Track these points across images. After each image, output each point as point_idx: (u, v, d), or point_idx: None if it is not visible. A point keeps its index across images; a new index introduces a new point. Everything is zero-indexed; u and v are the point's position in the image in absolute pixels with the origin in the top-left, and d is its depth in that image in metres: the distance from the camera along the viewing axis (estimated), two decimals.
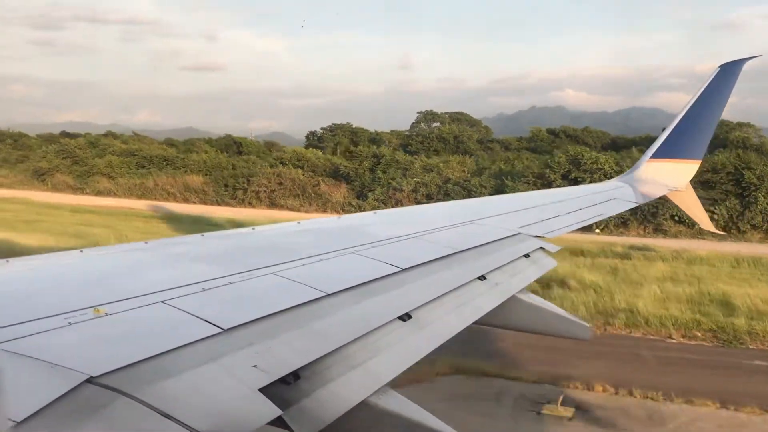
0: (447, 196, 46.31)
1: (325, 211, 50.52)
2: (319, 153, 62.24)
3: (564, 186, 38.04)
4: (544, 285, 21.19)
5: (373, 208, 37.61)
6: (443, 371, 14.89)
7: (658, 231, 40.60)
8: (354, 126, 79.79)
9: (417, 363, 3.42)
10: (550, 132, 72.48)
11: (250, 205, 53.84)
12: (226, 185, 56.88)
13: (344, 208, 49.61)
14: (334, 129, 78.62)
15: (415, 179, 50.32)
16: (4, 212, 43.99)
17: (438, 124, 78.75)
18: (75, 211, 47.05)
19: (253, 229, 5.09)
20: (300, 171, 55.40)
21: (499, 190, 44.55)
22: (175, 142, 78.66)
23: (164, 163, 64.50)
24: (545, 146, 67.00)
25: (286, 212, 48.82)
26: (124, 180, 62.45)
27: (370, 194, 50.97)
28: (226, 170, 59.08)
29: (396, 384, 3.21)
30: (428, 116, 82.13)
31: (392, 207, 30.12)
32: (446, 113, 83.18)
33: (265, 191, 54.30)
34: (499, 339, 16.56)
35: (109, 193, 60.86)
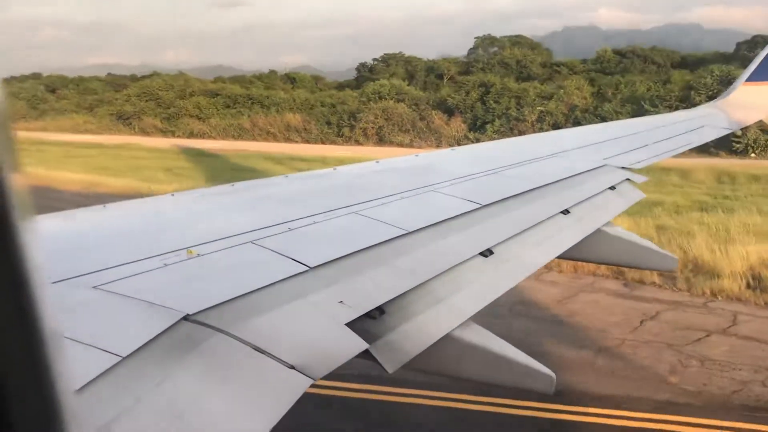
0: (577, 125, 42.46)
1: (439, 146, 46.91)
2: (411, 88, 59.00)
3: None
4: None
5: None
6: None
7: None
8: (407, 55, 76.07)
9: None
10: (617, 52, 68.49)
11: (357, 143, 51.58)
12: (328, 123, 54.72)
13: (461, 143, 46.10)
14: (387, 59, 74.76)
15: (539, 108, 47.44)
16: (144, 160, 40.91)
17: (496, 48, 75.73)
18: (202, 155, 43.78)
19: (335, 169, 5.15)
20: (403, 105, 52.72)
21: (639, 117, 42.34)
22: (242, 80, 76.37)
23: (250, 102, 62.47)
24: (612, 68, 63.89)
25: (398, 149, 45.00)
26: (215, 121, 60.55)
27: (488, 126, 48.18)
28: (324, 107, 56.87)
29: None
30: (486, 41, 78.37)
31: None
32: (505, 37, 79.48)
33: (372, 128, 51.87)
34: None
35: (203, 135, 58.89)
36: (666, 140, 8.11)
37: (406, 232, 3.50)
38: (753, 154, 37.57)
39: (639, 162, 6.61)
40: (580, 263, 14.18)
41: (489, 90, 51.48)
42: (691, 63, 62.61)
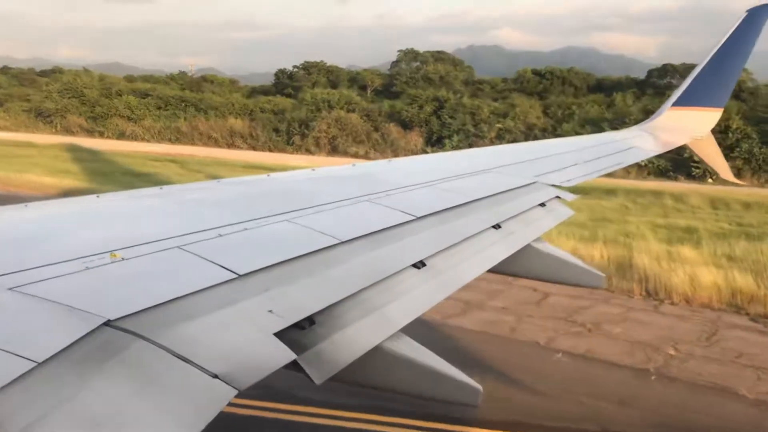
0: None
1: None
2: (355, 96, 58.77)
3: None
4: None
5: None
6: None
7: None
8: (328, 64, 76.55)
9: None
10: (536, 73, 71.23)
11: (308, 152, 50.75)
12: (276, 130, 53.43)
13: None
14: (308, 67, 75.07)
15: (497, 125, 48.05)
16: (98, 163, 38.00)
17: (418, 63, 76.99)
18: (154, 159, 41.45)
19: (269, 175, 5.10)
20: (356, 115, 52.39)
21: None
22: (151, 79, 73.96)
23: (183, 104, 60.25)
24: (532, 87, 66.08)
25: (354, 160, 44.02)
26: (149, 123, 57.90)
27: (446, 141, 48.39)
28: (264, 113, 55.49)
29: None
30: (409, 55, 79.87)
31: None
32: (428, 52, 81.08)
33: (326, 137, 51.19)
34: None
35: (136, 137, 56.10)
36: (596, 160, 8.35)
37: (339, 241, 3.48)
38: (711, 180, 39.11)
39: (569, 180, 6.78)
40: (694, 295, 14.96)
41: (443, 105, 52.04)
42: (606, 87, 65.66)
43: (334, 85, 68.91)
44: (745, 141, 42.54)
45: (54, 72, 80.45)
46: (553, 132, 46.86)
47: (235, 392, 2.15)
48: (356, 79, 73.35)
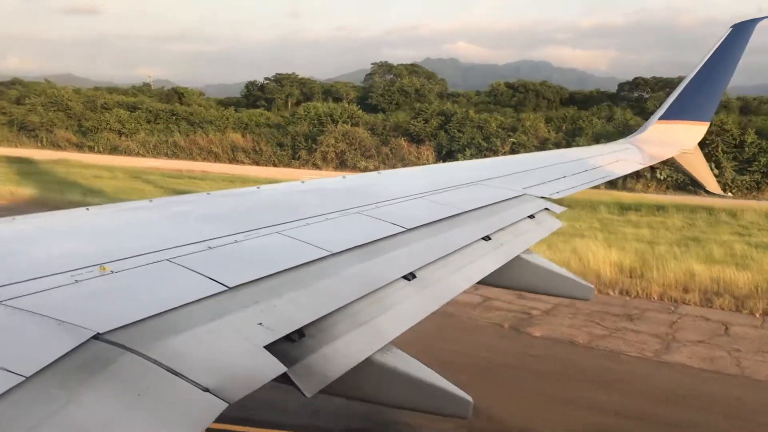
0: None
1: None
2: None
3: None
4: None
5: None
6: None
7: None
8: (300, 76, 76.14)
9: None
10: (509, 86, 71.71)
11: (316, 166, 49.55)
12: (280, 144, 52.18)
13: None
14: (280, 79, 74.60)
15: (511, 140, 47.34)
16: (121, 180, 36.06)
17: (392, 75, 77.17)
18: (172, 176, 39.62)
19: (258, 188, 5.09)
20: (362, 129, 51.36)
21: None
22: (117, 91, 72.09)
23: (174, 118, 58.57)
24: (506, 101, 66.39)
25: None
26: (143, 137, 56.22)
27: (459, 156, 47.03)
28: (265, 128, 54.24)
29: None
30: (383, 68, 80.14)
31: None
32: (402, 65, 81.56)
33: (333, 152, 49.93)
34: None
35: (131, 152, 54.37)
36: (584, 172, 8.39)
37: (329, 253, 3.48)
38: (730, 193, 39.30)
39: (558, 192, 6.81)
40: None
41: (450, 119, 51.19)
42: (578, 100, 66.41)
43: (308, 98, 68.69)
44: (762, 155, 42.78)
45: (14, 83, 78.47)
46: (567, 146, 45.80)
47: (226, 405, 2.14)
48: (330, 92, 73.26)
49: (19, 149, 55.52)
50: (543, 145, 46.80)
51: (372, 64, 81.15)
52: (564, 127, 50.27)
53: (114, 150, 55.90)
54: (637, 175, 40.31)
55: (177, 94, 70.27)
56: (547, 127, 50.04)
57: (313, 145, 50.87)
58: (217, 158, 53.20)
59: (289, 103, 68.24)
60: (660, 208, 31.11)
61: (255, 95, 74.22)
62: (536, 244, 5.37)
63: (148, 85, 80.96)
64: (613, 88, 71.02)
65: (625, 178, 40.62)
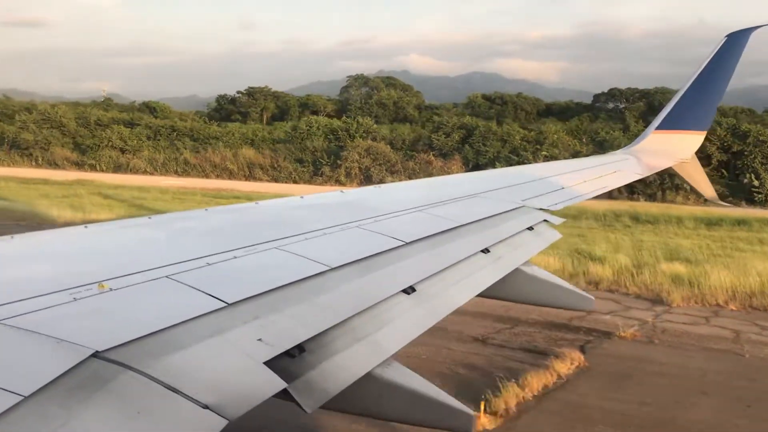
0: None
1: None
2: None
3: None
4: None
5: None
6: None
7: None
8: (273, 90, 75.95)
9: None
10: (486, 98, 72.11)
11: (339, 183, 47.57)
12: (299, 160, 50.36)
13: None
14: (253, 93, 74.43)
15: (543, 153, 46.57)
16: (164, 202, 34.17)
17: (367, 88, 77.28)
18: (212, 196, 38.14)
19: (257, 203, 5.10)
20: (383, 144, 50.07)
21: None
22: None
23: (174, 134, 56.77)
24: (484, 112, 66.67)
25: None
26: (148, 154, 54.00)
27: (490, 169, 46.69)
28: (272, 143, 52.67)
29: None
30: (359, 80, 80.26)
31: None
32: (378, 77, 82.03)
33: (358, 167, 48.21)
34: None
35: (137, 170, 52.01)
36: (582, 183, 8.41)
37: (329, 268, 3.47)
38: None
39: (555, 204, 6.82)
40: None
41: (472, 132, 50.21)
42: (555, 111, 66.85)
43: (283, 112, 68.44)
44: None
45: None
46: None
47: (226, 422, 2.13)
48: (307, 105, 73.13)
49: (20, 169, 53.73)
50: (575, 158, 46.63)
51: (347, 77, 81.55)
52: (584, 139, 50.16)
53: (118, 168, 53.94)
54: (676, 186, 40.15)
55: (148, 108, 69.15)
56: (574, 140, 49.55)
57: (338, 161, 49.40)
58: (231, 175, 51.30)
59: (265, 117, 67.81)
60: (740, 222, 30.10)
61: (227, 108, 73.74)
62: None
63: (110, 99, 79.57)
64: (564, 98, 71.96)
65: (663, 190, 40.88)
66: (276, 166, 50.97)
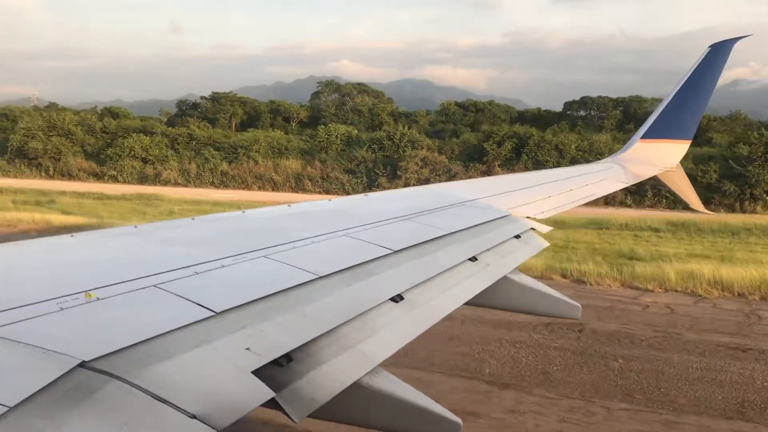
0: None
1: None
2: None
3: None
4: None
5: None
6: None
7: None
8: (239, 95, 74.41)
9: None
10: (459, 105, 72.57)
11: None
12: (350, 171, 49.25)
13: None
14: (218, 98, 72.85)
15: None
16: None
17: (337, 94, 77.32)
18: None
19: (244, 212, 5.08)
20: (436, 154, 49.06)
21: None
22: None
23: (193, 142, 53.80)
24: (458, 119, 67.13)
25: None
26: (176, 163, 51.44)
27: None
28: (297, 152, 50.47)
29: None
30: (330, 87, 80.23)
31: None
32: (350, 84, 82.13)
33: (416, 178, 47.21)
34: None
35: (167, 182, 49.51)
36: (569, 192, 8.46)
37: (316, 276, 3.47)
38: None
39: (542, 212, 6.86)
40: None
41: (525, 141, 49.58)
42: (527, 119, 67.76)
43: (251, 118, 67.89)
44: None
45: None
46: None
47: None
48: (278, 111, 72.50)
49: (35, 180, 50.38)
50: None
51: (318, 83, 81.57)
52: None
53: (144, 179, 51.20)
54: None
55: (111, 114, 66.95)
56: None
57: (396, 172, 48.35)
58: (276, 187, 49.43)
59: (234, 123, 67.12)
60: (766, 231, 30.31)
61: (190, 114, 72.09)
62: None
63: (56, 104, 76.48)
64: (491, 106, 72.37)
65: (673, 200, 41.16)
66: (326, 176, 49.32)
